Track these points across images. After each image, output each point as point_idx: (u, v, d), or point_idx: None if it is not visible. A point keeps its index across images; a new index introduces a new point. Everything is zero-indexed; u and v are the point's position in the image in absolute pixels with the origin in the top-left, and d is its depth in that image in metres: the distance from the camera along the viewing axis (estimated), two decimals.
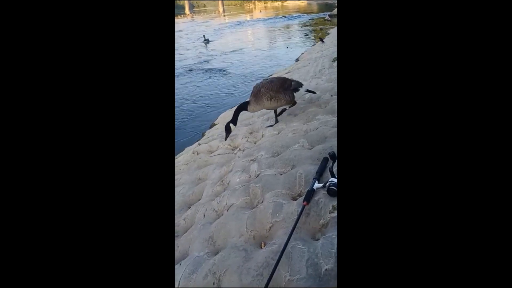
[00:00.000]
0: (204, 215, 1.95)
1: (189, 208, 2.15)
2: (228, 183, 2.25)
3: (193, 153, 3.14)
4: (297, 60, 8.74)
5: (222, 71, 8.43)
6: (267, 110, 2.99)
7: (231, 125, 2.74)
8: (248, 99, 2.80)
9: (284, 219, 1.58)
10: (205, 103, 5.84)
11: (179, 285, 1.40)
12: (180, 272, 1.46)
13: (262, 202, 1.79)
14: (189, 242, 1.73)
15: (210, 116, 5.16)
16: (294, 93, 2.85)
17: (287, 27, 17.39)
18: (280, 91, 2.75)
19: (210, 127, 4.21)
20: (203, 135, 4.20)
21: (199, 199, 2.24)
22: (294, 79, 3.01)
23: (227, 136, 2.80)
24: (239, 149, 2.79)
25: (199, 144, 3.42)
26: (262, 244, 1.51)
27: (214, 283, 1.33)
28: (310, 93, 3.12)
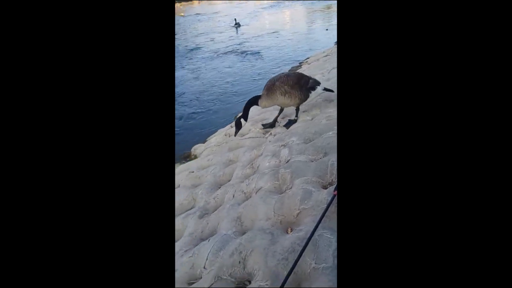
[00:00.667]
0: (233, 196, 2.00)
1: (219, 188, 2.21)
2: (258, 166, 2.26)
3: (225, 135, 3.19)
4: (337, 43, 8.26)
5: (255, 54, 8.30)
6: (279, 107, 2.74)
7: (241, 120, 2.60)
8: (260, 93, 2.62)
9: (312, 207, 1.55)
10: (235, 88, 5.84)
11: (207, 259, 1.47)
12: (209, 248, 1.52)
13: (291, 188, 1.77)
14: (217, 220, 1.80)
15: (241, 99, 5.17)
16: (312, 91, 2.66)
17: (328, 7, 16.47)
18: (296, 87, 2.55)
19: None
20: (235, 117, 4.25)
21: (229, 180, 2.29)
22: (312, 77, 2.81)
23: (236, 132, 2.65)
24: (271, 133, 2.78)
25: (231, 127, 3.46)
26: (289, 230, 1.51)
27: (239, 262, 1.37)
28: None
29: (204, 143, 3.37)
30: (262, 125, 2.92)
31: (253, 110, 2.89)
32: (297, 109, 2.79)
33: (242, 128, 2.69)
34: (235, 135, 2.73)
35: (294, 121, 2.77)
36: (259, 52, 8.46)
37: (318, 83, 2.71)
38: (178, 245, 1.69)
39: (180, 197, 2.22)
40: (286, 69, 6.47)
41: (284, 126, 2.78)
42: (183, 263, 1.51)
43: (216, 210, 1.95)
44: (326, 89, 2.81)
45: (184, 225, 1.89)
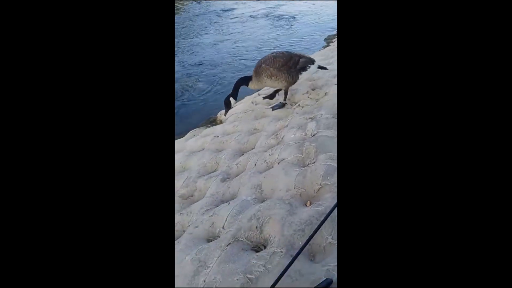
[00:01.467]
0: (255, 164, 2.02)
1: (242, 155, 2.24)
2: (282, 138, 2.24)
3: (252, 102, 3.16)
4: None
5: (290, 19, 7.82)
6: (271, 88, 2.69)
7: (231, 99, 2.54)
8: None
9: (334, 184, 1.54)
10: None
11: (226, 221, 1.54)
12: (228, 210, 1.59)
13: (314, 162, 1.75)
14: (238, 186, 1.85)
15: None
16: (303, 72, 2.48)
17: None
18: (283, 69, 2.41)
19: None
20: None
21: (252, 148, 2.31)
22: (305, 55, 2.60)
23: (226, 111, 2.61)
24: (298, 105, 2.70)
25: (259, 95, 3.41)
26: (308, 203, 1.52)
27: (257, 227, 1.43)
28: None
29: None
30: (263, 97, 2.84)
31: None
32: (286, 92, 2.64)
33: (260, 103, 2.64)
34: (224, 115, 2.66)
35: (282, 105, 2.66)
36: (294, 17, 7.95)
37: (311, 62, 2.53)
38: (199, 204, 1.77)
39: (204, 160, 2.28)
40: (320, 37, 6.07)
41: (271, 107, 2.69)
42: (204, 220, 1.59)
43: (237, 176, 2.00)
44: (320, 67, 2.66)
45: (207, 186, 1.97)
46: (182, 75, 4.92)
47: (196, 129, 3.09)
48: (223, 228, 1.52)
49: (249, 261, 1.24)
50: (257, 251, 1.33)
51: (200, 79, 4.75)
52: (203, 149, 2.51)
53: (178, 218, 1.72)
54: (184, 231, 1.62)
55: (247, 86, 2.57)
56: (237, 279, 1.18)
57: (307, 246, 1.17)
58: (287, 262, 1.12)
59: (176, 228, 1.67)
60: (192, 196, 1.96)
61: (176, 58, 5.67)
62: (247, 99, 3.35)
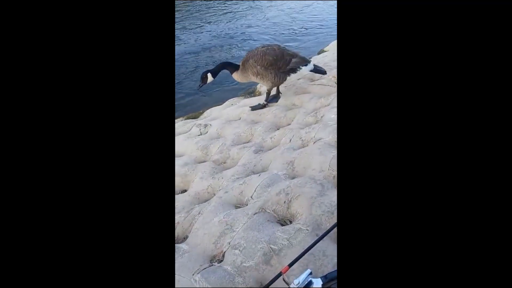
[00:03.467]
0: (290, 140, 1.99)
1: (278, 129, 2.22)
2: (322, 117, 2.16)
3: None
4: None
5: None
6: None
7: (209, 74, 2.26)
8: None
9: None
10: (309, 30, 5.27)
11: (255, 191, 1.57)
12: (258, 181, 1.61)
13: None
14: (270, 159, 1.85)
15: (318, 42, 4.73)
16: (292, 74, 2.23)
17: None
18: (270, 69, 2.18)
19: (319, 53, 3.90)
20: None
21: (289, 124, 2.27)
22: (300, 54, 2.29)
23: (200, 86, 2.30)
24: None
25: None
26: None
27: (284, 202, 1.43)
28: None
29: None
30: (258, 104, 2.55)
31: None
32: (268, 93, 2.40)
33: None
34: (197, 88, 2.42)
35: (262, 106, 2.41)
36: None
37: (304, 63, 2.27)
38: (231, 171, 1.82)
39: (240, 129, 2.30)
40: None
41: (251, 107, 2.47)
42: (234, 187, 1.64)
43: (270, 149, 1.99)
44: (316, 70, 2.35)
45: (239, 155, 2.00)
46: (230, 44, 4.88)
47: (235, 98, 3.10)
48: (251, 197, 1.55)
49: (273, 232, 1.27)
50: (282, 225, 1.36)
51: (244, 48, 4.67)
52: (240, 119, 2.53)
53: (210, 181, 1.79)
54: (214, 194, 1.69)
55: (231, 74, 2.35)
56: (261, 247, 1.22)
57: (334, 229, 1.16)
58: (312, 240, 1.12)
59: (207, 190, 1.75)
60: (225, 162, 2.01)
61: (224, 25, 5.60)
62: None
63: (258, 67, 2.21)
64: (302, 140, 1.96)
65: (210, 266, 1.24)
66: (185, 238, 1.46)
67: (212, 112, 2.86)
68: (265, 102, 2.48)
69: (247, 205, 1.53)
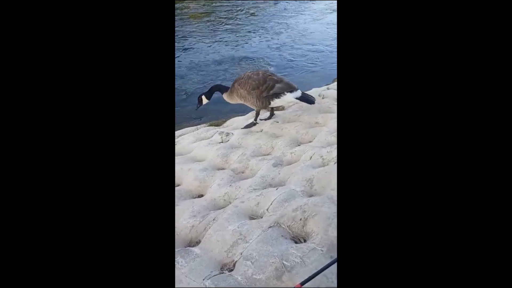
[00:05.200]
0: (310, 158, 1.99)
1: (299, 145, 2.22)
2: None
3: (319, 95, 3.07)
4: None
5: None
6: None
7: (203, 97, 2.45)
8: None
9: None
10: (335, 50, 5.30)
11: (271, 204, 1.57)
12: (275, 195, 1.61)
13: None
14: (289, 174, 1.85)
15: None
16: (275, 99, 2.29)
17: None
18: (253, 93, 2.28)
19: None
20: (334, 80, 3.99)
21: (310, 141, 2.27)
22: (285, 80, 2.33)
23: (197, 107, 2.52)
24: None
25: (328, 88, 3.28)
26: None
27: (301, 219, 1.42)
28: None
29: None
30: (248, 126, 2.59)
31: None
32: (257, 113, 2.53)
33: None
34: (196, 109, 2.58)
35: (253, 124, 2.53)
36: None
37: (289, 89, 2.29)
38: (249, 182, 1.84)
39: (261, 141, 2.33)
40: None
41: (244, 127, 2.54)
42: (250, 198, 1.65)
43: (290, 164, 2.00)
44: (303, 98, 2.33)
45: (258, 167, 2.02)
46: (258, 56, 5.01)
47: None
48: (267, 210, 1.55)
49: (287, 249, 1.26)
50: (296, 242, 1.34)
51: (271, 62, 4.76)
52: (261, 130, 2.56)
53: (227, 189, 1.81)
54: (230, 203, 1.71)
55: (221, 95, 2.52)
56: (273, 262, 1.21)
57: None
58: (326, 261, 1.10)
59: (224, 198, 1.77)
60: (243, 172, 2.03)
61: (257, 39, 5.77)
62: (315, 91, 3.26)
63: (241, 90, 2.34)
64: (323, 158, 1.95)
65: (220, 273, 1.24)
66: (197, 242, 1.47)
67: (235, 122, 2.92)
68: (254, 121, 2.60)
69: (262, 217, 1.53)
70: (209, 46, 5.44)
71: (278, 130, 2.49)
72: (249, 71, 2.44)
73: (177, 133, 2.83)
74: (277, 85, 2.29)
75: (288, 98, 2.32)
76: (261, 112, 2.62)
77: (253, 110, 3.14)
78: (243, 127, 2.58)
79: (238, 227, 1.43)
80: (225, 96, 2.49)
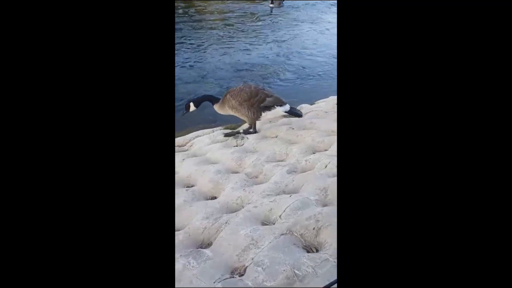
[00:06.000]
0: (326, 166, 1.97)
1: (314, 153, 2.21)
2: None
3: (335, 104, 3.04)
4: None
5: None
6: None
7: (191, 104, 2.47)
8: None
9: None
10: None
11: (284, 211, 1.56)
12: (289, 202, 1.60)
13: None
14: (303, 182, 1.84)
15: None
16: (267, 111, 2.40)
17: None
18: (244, 105, 2.37)
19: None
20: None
21: (326, 150, 2.25)
22: (275, 95, 2.46)
23: (184, 113, 2.50)
24: None
25: None
26: None
27: (314, 228, 1.41)
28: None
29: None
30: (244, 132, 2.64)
31: None
32: (251, 125, 2.59)
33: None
34: (181, 115, 2.50)
35: (252, 132, 2.60)
36: None
37: (279, 103, 2.43)
38: (262, 187, 1.84)
39: (276, 147, 2.33)
40: None
41: (242, 132, 2.58)
42: (263, 204, 1.65)
43: (304, 172, 1.98)
44: (291, 112, 2.50)
45: (272, 173, 2.01)
46: (273, 62, 5.04)
47: (278, 116, 3.14)
48: (280, 217, 1.54)
49: (299, 258, 1.25)
50: (308, 252, 1.33)
51: (289, 68, 4.78)
52: (276, 136, 2.56)
53: (240, 193, 1.81)
54: (243, 207, 1.71)
55: (212, 105, 2.56)
56: (284, 270, 1.20)
57: None
58: None
59: (236, 201, 1.77)
60: (257, 177, 2.04)
61: (274, 45, 5.82)
62: (331, 99, 3.24)
63: (233, 101, 2.41)
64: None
65: (231, 277, 1.24)
66: (209, 244, 1.48)
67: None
68: (253, 131, 2.66)
69: (274, 224, 1.53)
70: (223, 54, 5.52)
71: (293, 137, 2.48)
72: (241, 84, 2.54)
73: (192, 134, 2.87)
74: (268, 99, 2.42)
75: (278, 111, 2.48)
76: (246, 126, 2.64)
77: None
78: (243, 133, 2.63)
79: (250, 232, 1.43)
80: (216, 107, 2.55)
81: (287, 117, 2.71)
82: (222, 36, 6.46)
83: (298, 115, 2.58)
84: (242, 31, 6.81)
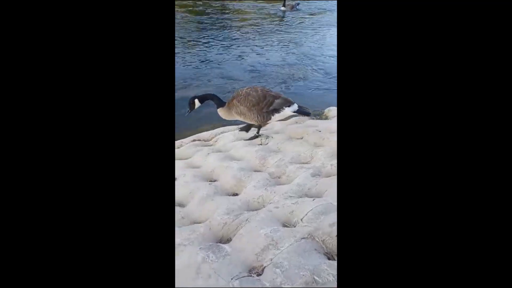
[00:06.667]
0: None
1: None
2: None
3: None
4: None
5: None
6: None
7: (196, 100, 2.35)
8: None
9: None
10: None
11: (306, 215, 1.53)
12: (311, 206, 1.57)
13: None
14: (326, 187, 1.79)
15: None
16: (276, 114, 2.34)
17: None
18: (253, 110, 2.31)
19: None
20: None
21: None
22: (282, 96, 2.38)
23: (188, 112, 2.38)
24: None
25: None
26: None
27: (336, 235, 1.36)
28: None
29: None
30: (239, 129, 2.63)
31: None
32: (259, 127, 2.54)
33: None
34: (186, 115, 2.42)
35: (256, 136, 2.55)
36: None
37: (287, 104, 2.36)
38: (285, 188, 1.81)
39: (300, 149, 2.29)
40: None
41: (246, 133, 2.53)
42: (285, 205, 1.62)
43: (329, 177, 1.93)
44: (300, 111, 2.42)
45: (296, 174, 1.98)
46: (301, 62, 4.98)
47: (300, 116, 3.11)
48: (301, 220, 1.51)
49: (319, 264, 1.21)
50: (329, 259, 1.29)
51: (319, 69, 4.69)
52: (302, 138, 2.52)
53: (262, 192, 1.80)
54: (264, 206, 1.70)
55: (216, 108, 2.43)
56: (303, 275, 1.18)
57: None
58: None
59: (258, 200, 1.77)
60: (279, 177, 2.01)
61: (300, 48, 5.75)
62: None
63: (241, 107, 2.34)
64: None
65: (248, 276, 1.23)
66: (228, 240, 1.48)
67: (275, 126, 2.91)
68: (257, 134, 2.60)
69: (295, 226, 1.50)
70: (263, 48, 5.53)
71: (319, 140, 2.42)
72: (245, 87, 2.44)
73: (217, 130, 2.90)
74: (276, 101, 2.36)
75: (288, 112, 2.41)
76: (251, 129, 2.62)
77: (297, 116, 3.12)
78: (246, 139, 2.59)
79: (270, 232, 1.42)
80: (221, 112, 2.44)
81: (294, 116, 2.59)
82: (241, 36, 6.46)
83: (307, 113, 2.52)
84: (260, 32, 6.80)
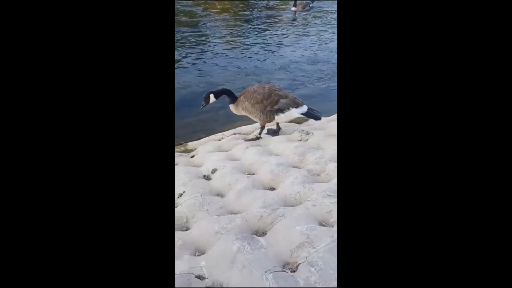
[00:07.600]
0: None
1: None
2: None
3: None
4: None
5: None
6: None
7: (211, 95, 2.34)
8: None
9: None
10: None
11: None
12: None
13: None
14: None
15: None
16: (280, 114, 2.27)
17: None
18: (257, 107, 2.27)
19: None
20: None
21: None
22: (291, 96, 2.29)
23: (203, 106, 2.37)
24: None
25: None
26: None
27: None
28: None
29: None
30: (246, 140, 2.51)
31: None
32: (262, 127, 2.46)
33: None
34: (200, 109, 2.41)
35: (256, 139, 2.47)
36: None
37: (295, 105, 2.27)
38: (323, 186, 1.76)
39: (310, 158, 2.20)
40: None
41: (246, 140, 2.45)
42: (323, 204, 1.58)
43: None
44: (309, 114, 2.30)
45: (335, 173, 1.91)
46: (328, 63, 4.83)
47: None
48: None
49: None
50: None
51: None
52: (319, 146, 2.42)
53: (300, 188, 1.78)
54: (301, 203, 1.67)
55: (228, 103, 2.46)
56: None
57: None
58: None
59: (295, 196, 1.75)
60: (319, 175, 1.97)
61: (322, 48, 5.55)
62: None
63: (246, 103, 2.33)
64: None
65: (282, 271, 1.23)
66: (263, 233, 1.50)
67: (317, 122, 2.84)
68: (258, 135, 2.53)
69: (332, 226, 1.45)
70: (299, 45, 5.43)
71: None
72: (256, 84, 2.42)
73: (257, 124, 2.93)
74: (282, 101, 2.29)
75: (294, 114, 2.33)
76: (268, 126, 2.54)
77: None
78: (246, 139, 2.53)
79: (306, 230, 1.39)
80: (232, 108, 2.48)
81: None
82: (295, 33, 6.37)
83: (317, 117, 2.37)
84: (271, 32, 6.62)
